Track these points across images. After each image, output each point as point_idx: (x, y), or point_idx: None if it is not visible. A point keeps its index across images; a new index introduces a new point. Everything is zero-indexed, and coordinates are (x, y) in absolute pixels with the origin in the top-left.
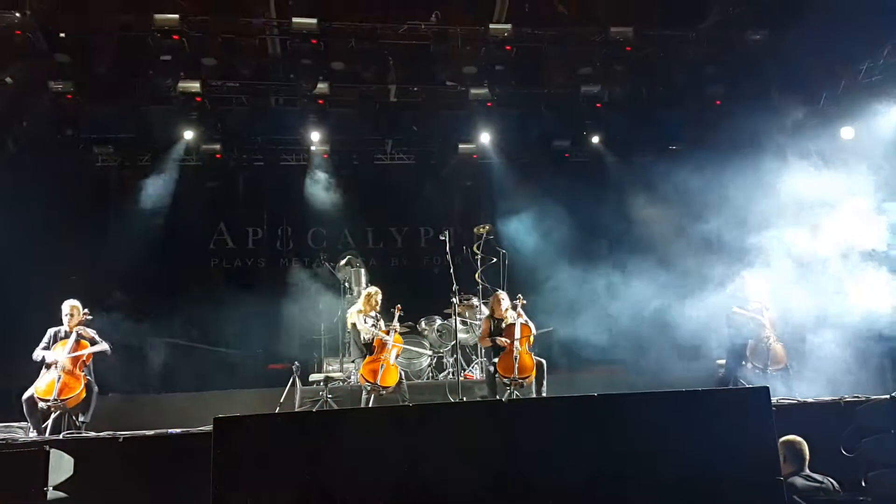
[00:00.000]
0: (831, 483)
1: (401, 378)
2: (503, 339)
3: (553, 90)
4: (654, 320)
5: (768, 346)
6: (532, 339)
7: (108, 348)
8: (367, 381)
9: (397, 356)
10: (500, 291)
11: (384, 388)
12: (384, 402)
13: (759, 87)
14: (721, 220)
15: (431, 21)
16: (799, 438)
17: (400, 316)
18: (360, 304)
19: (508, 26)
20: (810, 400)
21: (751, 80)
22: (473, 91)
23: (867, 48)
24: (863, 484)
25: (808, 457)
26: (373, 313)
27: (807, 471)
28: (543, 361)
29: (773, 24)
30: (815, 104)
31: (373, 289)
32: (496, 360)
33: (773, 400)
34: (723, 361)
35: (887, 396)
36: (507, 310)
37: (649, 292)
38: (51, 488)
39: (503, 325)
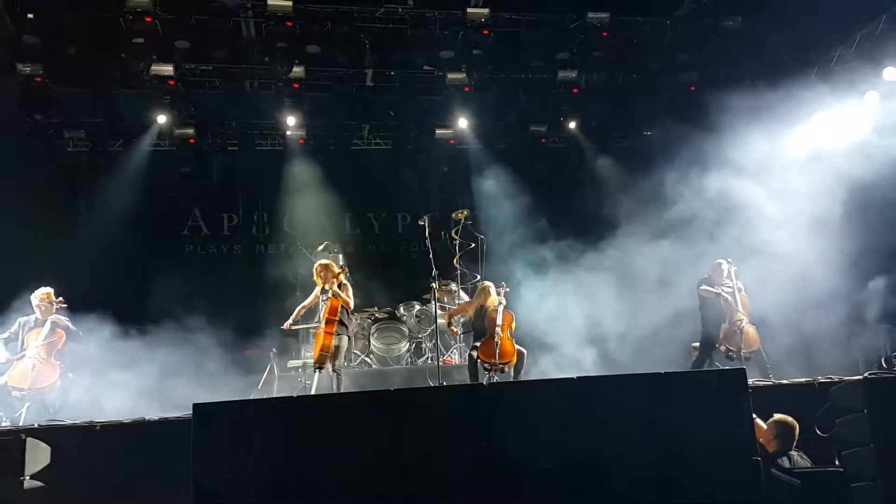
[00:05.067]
0: (809, 463)
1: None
2: None
3: (530, 75)
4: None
5: (741, 329)
6: (514, 326)
7: (81, 339)
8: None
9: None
10: (487, 283)
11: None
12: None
13: (732, 74)
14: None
15: (408, 4)
16: (791, 420)
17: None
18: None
19: (486, 10)
20: (785, 381)
21: (724, 66)
22: (451, 75)
23: (839, 36)
24: (836, 463)
25: (796, 438)
26: (326, 286)
27: (792, 452)
28: (524, 351)
29: (746, 11)
30: (788, 90)
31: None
32: (477, 344)
33: (749, 381)
34: (697, 345)
35: (860, 377)
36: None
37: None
38: (27, 477)
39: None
